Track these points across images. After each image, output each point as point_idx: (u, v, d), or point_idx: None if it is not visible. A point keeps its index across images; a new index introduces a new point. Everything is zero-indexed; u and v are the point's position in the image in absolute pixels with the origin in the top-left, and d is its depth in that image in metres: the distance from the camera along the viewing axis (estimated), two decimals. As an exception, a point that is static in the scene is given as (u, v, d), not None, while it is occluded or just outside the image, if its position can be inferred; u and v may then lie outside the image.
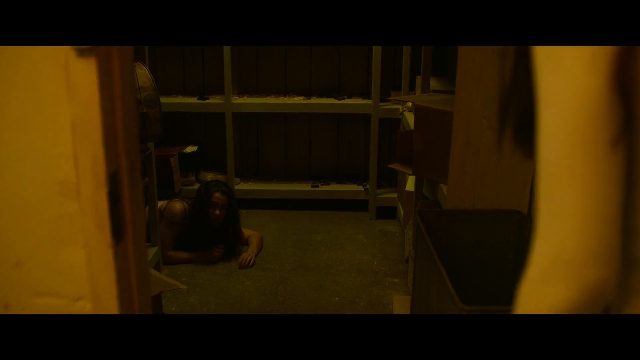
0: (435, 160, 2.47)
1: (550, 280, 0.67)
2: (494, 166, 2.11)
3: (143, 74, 2.54)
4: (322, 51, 4.34)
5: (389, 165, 3.13)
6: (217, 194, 3.47)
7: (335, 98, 4.23)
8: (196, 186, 4.02)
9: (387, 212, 4.19)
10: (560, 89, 0.65)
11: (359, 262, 3.53)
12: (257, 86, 4.41)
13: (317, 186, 4.34)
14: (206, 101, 4.18)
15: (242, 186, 4.32)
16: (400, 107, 3.93)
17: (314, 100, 4.22)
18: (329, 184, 4.36)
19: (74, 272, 0.88)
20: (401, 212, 3.83)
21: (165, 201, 3.55)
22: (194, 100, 4.22)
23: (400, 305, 2.86)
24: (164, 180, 3.94)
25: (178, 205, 3.51)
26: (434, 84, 3.30)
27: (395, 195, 4.20)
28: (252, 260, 3.49)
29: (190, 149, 4.30)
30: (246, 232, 3.70)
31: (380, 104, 4.05)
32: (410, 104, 3.59)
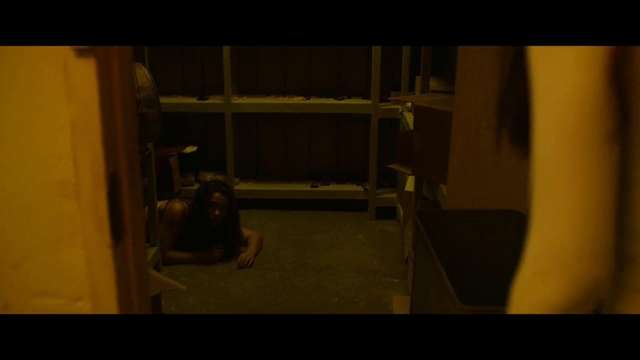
0: (434, 161, 2.47)
1: (545, 277, 0.68)
2: (494, 166, 2.11)
3: (142, 74, 2.54)
4: (321, 51, 4.34)
5: (389, 166, 3.14)
6: (217, 194, 3.47)
7: (334, 98, 4.23)
8: (196, 186, 4.02)
9: (386, 212, 4.19)
10: (555, 87, 0.65)
11: (359, 262, 3.53)
12: (257, 86, 4.41)
13: (317, 186, 4.34)
14: (206, 101, 4.18)
15: (241, 186, 4.32)
16: (399, 107, 3.93)
17: (314, 101, 4.22)
18: (328, 184, 4.36)
19: (73, 272, 0.88)
20: (401, 212, 3.83)
21: (165, 201, 3.55)
22: (194, 100, 4.22)
23: (400, 305, 2.86)
24: (163, 181, 3.94)
25: (177, 206, 3.51)
26: (433, 84, 3.30)
27: (394, 195, 4.20)
28: (251, 261, 3.49)
29: (189, 149, 4.30)
30: (246, 232, 3.69)
31: (379, 104, 4.05)
32: (409, 104, 3.60)
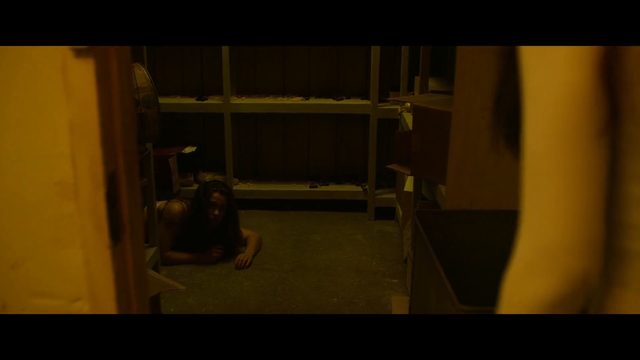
0: (433, 161, 2.47)
1: (535, 272, 0.68)
2: (493, 166, 2.11)
3: (141, 74, 2.54)
4: (320, 51, 4.34)
5: (388, 166, 3.14)
6: (216, 194, 3.47)
7: (333, 98, 4.23)
8: (195, 187, 4.01)
9: (385, 213, 4.19)
10: (546, 83, 0.66)
11: (358, 262, 3.53)
12: (256, 87, 4.41)
13: (316, 187, 4.34)
14: (205, 102, 4.18)
15: (240, 187, 4.32)
16: (398, 107, 3.93)
17: (313, 101, 4.22)
18: (327, 185, 4.36)
19: (71, 272, 0.88)
20: (400, 212, 3.83)
21: (164, 202, 3.55)
22: (193, 100, 4.22)
23: (399, 305, 2.86)
24: (162, 181, 3.94)
25: (177, 206, 3.51)
26: (432, 84, 3.30)
27: (393, 195, 4.20)
28: (249, 261, 3.49)
29: (188, 149, 4.30)
30: (245, 232, 3.69)
31: (378, 104, 4.05)
32: (408, 104, 3.60)
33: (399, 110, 3.89)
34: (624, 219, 0.71)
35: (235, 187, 4.20)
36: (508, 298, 0.72)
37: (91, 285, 0.88)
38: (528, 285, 0.69)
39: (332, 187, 4.34)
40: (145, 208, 3.02)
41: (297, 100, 4.22)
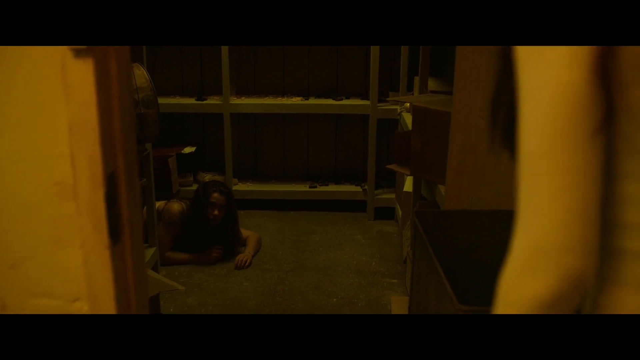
0: (433, 161, 2.47)
1: (531, 271, 0.68)
2: (492, 167, 2.11)
3: (141, 74, 2.54)
4: (320, 52, 4.34)
5: (387, 166, 3.14)
6: (216, 194, 3.47)
7: (333, 99, 4.23)
8: (194, 187, 4.01)
9: (385, 213, 4.19)
10: (541, 83, 0.66)
11: (357, 262, 3.53)
12: (255, 87, 4.41)
13: (315, 187, 4.34)
14: (204, 102, 4.18)
15: (240, 187, 4.32)
16: (398, 107, 3.93)
17: (312, 101, 4.22)
18: (327, 185, 4.36)
19: (71, 273, 0.88)
20: (399, 212, 3.83)
21: (163, 202, 3.55)
22: (192, 101, 4.21)
23: (398, 305, 2.86)
24: (162, 181, 3.94)
25: (176, 206, 3.51)
26: (432, 84, 3.30)
27: (393, 195, 4.20)
28: (249, 261, 3.49)
29: (188, 149, 4.30)
30: (244, 232, 3.69)
31: (378, 104, 4.05)
32: (408, 104, 3.60)
33: (399, 111, 3.89)
34: (620, 218, 0.71)
35: (234, 187, 4.20)
36: (504, 297, 0.73)
37: (90, 285, 0.88)
38: (524, 284, 0.69)
39: (332, 187, 4.34)
40: (145, 208, 3.02)
41: (296, 100, 4.22)
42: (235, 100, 4.16)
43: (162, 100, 3.20)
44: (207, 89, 4.40)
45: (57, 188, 0.85)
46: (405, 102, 3.65)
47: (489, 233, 1.95)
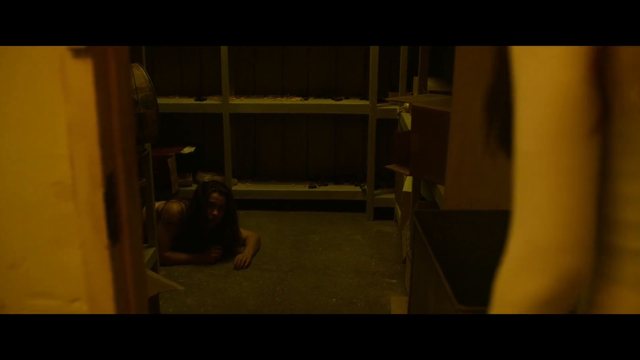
0: (432, 161, 2.47)
1: (527, 270, 0.69)
2: (492, 167, 2.11)
3: (140, 74, 2.54)
4: (319, 52, 4.34)
5: (386, 166, 3.14)
6: (215, 194, 3.46)
7: (332, 99, 4.23)
8: (194, 187, 4.01)
9: (384, 213, 4.19)
10: (537, 83, 0.67)
11: (357, 263, 3.53)
12: (255, 87, 4.41)
13: (315, 187, 4.34)
14: (203, 102, 4.18)
15: (239, 187, 4.32)
16: (397, 107, 3.93)
17: (312, 101, 4.22)
18: (326, 185, 4.36)
19: (70, 273, 0.88)
20: (399, 212, 3.83)
21: (163, 202, 3.55)
22: (191, 101, 4.21)
23: (398, 306, 2.86)
24: (161, 181, 3.94)
25: (175, 206, 3.51)
26: (431, 84, 3.30)
27: (392, 196, 4.20)
28: (248, 261, 3.49)
29: (187, 149, 4.30)
30: (244, 232, 3.69)
31: (377, 104, 4.05)
32: (407, 104, 3.60)
33: (398, 111, 3.89)
34: (615, 217, 0.72)
35: (234, 188, 4.20)
36: (500, 297, 0.73)
37: (89, 285, 0.88)
38: (520, 283, 0.70)
39: (331, 188, 4.34)
40: (144, 208, 3.02)
41: (296, 100, 4.22)
42: (235, 101, 4.16)
43: (161, 101, 3.20)
44: (206, 89, 4.40)
45: (56, 188, 0.84)
46: (404, 102, 3.65)
47: (489, 233, 1.95)
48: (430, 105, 2.56)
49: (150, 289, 2.25)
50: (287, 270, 3.44)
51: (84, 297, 0.89)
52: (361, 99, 4.22)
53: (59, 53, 0.79)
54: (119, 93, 0.85)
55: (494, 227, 1.94)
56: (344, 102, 4.19)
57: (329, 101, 4.20)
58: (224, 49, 3.95)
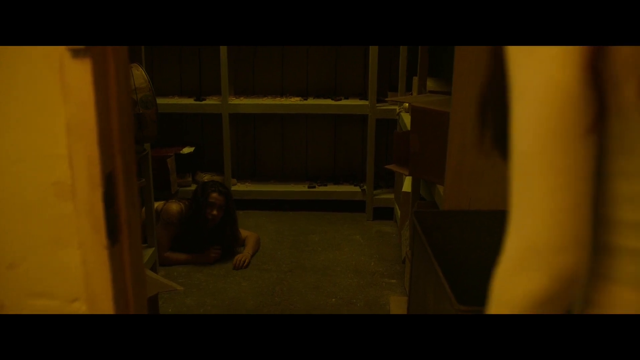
0: (431, 161, 2.47)
1: (524, 269, 0.69)
2: (491, 167, 2.11)
3: (139, 74, 2.54)
4: (319, 52, 4.34)
5: (386, 166, 3.14)
6: (214, 194, 3.46)
7: (332, 99, 4.23)
8: (193, 187, 4.01)
9: (384, 213, 4.19)
10: (533, 82, 0.67)
11: (356, 263, 3.53)
12: (254, 87, 4.41)
13: (314, 187, 4.34)
14: (203, 102, 4.18)
15: (238, 187, 4.32)
16: (397, 107, 3.93)
17: (311, 101, 4.22)
18: (325, 185, 4.36)
19: (69, 273, 0.88)
20: (398, 212, 3.83)
21: (162, 202, 3.55)
22: (191, 101, 4.21)
23: (397, 306, 2.86)
24: (160, 181, 3.94)
25: (174, 206, 3.50)
26: (430, 84, 3.30)
27: (392, 196, 4.20)
28: (247, 261, 3.49)
29: (187, 150, 4.29)
30: (243, 233, 3.69)
31: (377, 104, 4.05)
32: (407, 104, 3.60)
33: (397, 111, 3.89)
34: (612, 216, 0.72)
35: (233, 188, 4.19)
36: (497, 296, 0.73)
37: (89, 285, 0.88)
38: (517, 283, 0.70)
39: (331, 188, 4.34)
40: (144, 208, 3.02)
41: (295, 100, 4.22)
42: (234, 101, 4.16)
43: (160, 101, 3.20)
44: (205, 89, 4.40)
45: (55, 188, 0.84)
46: (404, 102, 3.65)
47: (488, 233, 1.95)
48: (429, 105, 2.56)
49: (149, 289, 2.25)
50: (286, 270, 3.44)
51: (83, 297, 0.89)
52: (360, 99, 4.22)
53: (58, 53, 0.79)
54: (118, 93, 0.85)
55: (493, 227, 1.94)
56: (344, 102, 4.19)
57: (329, 101, 4.20)
58: (223, 49, 3.95)
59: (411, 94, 3.71)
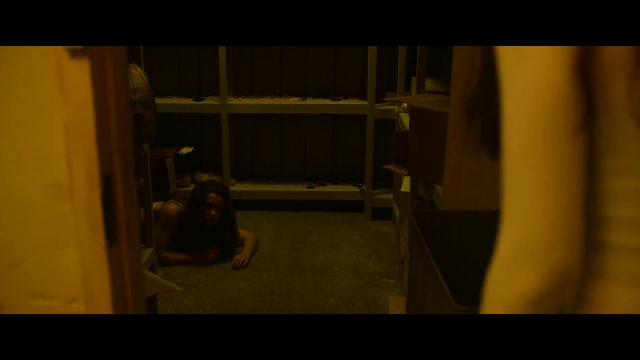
0: (430, 161, 2.48)
1: (517, 268, 0.69)
2: (490, 167, 2.11)
3: (138, 74, 2.54)
4: (317, 52, 4.34)
5: (385, 166, 3.14)
6: (213, 194, 3.46)
7: (330, 99, 4.23)
8: (192, 187, 4.01)
9: (382, 213, 4.19)
10: (524, 82, 0.67)
11: (355, 263, 3.53)
12: (253, 87, 4.41)
13: (313, 187, 4.34)
14: (202, 102, 4.18)
15: (237, 187, 4.32)
16: (395, 107, 3.93)
17: (310, 101, 4.22)
18: (324, 185, 4.36)
19: (67, 273, 0.88)
20: (397, 212, 3.83)
21: (161, 202, 3.55)
22: (190, 101, 4.21)
23: (396, 306, 2.86)
24: (159, 182, 3.94)
25: (173, 207, 3.50)
26: (429, 84, 3.31)
27: (390, 196, 4.20)
28: (246, 261, 3.49)
29: (185, 150, 4.29)
30: (242, 233, 3.69)
31: (375, 104, 4.05)
32: (405, 104, 3.60)
33: (396, 111, 3.89)
34: (603, 213, 0.73)
35: (232, 188, 4.19)
36: (491, 295, 0.74)
37: (87, 285, 0.88)
38: (510, 281, 0.70)
39: (329, 188, 4.34)
40: (142, 208, 3.02)
41: (294, 100, 4.22)
42: (233, 101, 4.16)
43: (159, 101, 3.20)
44: (204, 89, 4.39)
45: (53, 188, 0.84)
46: (402, 102, 3.65)
47: (486, 233, 1.95)
48: (428, 105, 2.56)
49: (148, 289, 2.25)
50: (285, 270, 3.44)
51: (82, 298, 0.89)
52: (359, 99, 4.22)
53: (56, 53, 0.79)
54: (116, 93, 0.85)
55: (491, 227, 1.94)
56: (342, 102, 4.19)
57: (327, 101, 4.20)
58: (222, 49, 3.95)
59: (410, 94, 3.71)
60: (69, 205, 0.85)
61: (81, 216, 0.84)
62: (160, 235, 3.42)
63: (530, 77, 0.67)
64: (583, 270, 0.74)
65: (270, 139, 4.53)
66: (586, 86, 0.67)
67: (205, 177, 4.19)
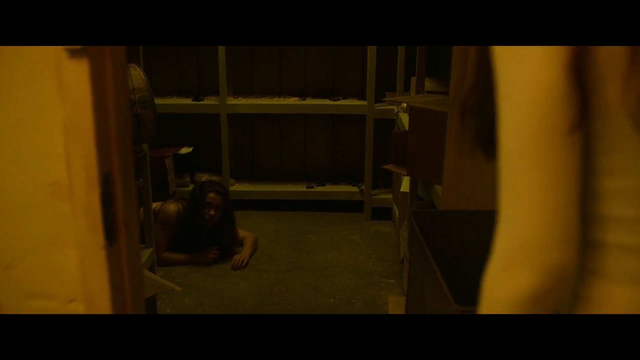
0: (429, 161, 2.48)
1: (514, 267, 0.70)
2: (489, 167, 2.11)
3: (137, 75, 2.54)
4: (317, 52, 4.34)
5: (384, 166, 3.14)
6: (212, 194, 3.46)
7: (330, 99, 4.23)
8: (191, 187, 4.01)
9: (382, 213, 4.19)
10: (519, 82, 0.68)
11: (354, 263, 3.53)
12: (252, 87, 4.41)
13: (312, 187, 4.34)
14: (201, 102, 4.18)
15: (237, 187, 4.31)
16: (395, 107, 3.93)
17: (309, 101, 4.22)
18: (324, 185, 4.36)
19: (66, 273, 0.88)
20: (396, 213, 3.83)
21: (160, 202, 3.55)
22: (189, 101, 4.21)
23: (395, 306, 2.86)
24: (158, 182, 3.94)
25: (172, 207, 3.50)
26: (428, 84, 3.31)
27: (390, 196, 4.20)
28: (245, 261, 3.49)
29: (185, 150, 4.29)
30: (241, 233, 3.69)
31: (375, 104, 4.05)
32: (405, 104, 3.60)
33: (396, 111, 3.90)
34: (599, 212, 0.73)
35: (231, 188, 4.19)
36: (488, 294, 0.74)
37: (86, 286, 0.88)
38: (507, 281, 0.70)
39: (329, 188, 4.34)
40: (142, 209, 3.02)
41: (293, 100, 4.22)
42: (232, 101, 4.16)
43: (159, 101, 3.20)
44: (204, 89, 4.39)
45: (52, 188, 0.84)
46: (402, 102, 3.65)
47: (486, 233, 1.94)
48: (427, 105, 2.56)
49: (147, 289, 2.25)
50: (284, 270, 3.44)
51: (81, 298, 0.88)
52: (359, 99, 4.22)
53: (55, 53, 0.79)
54: (115, 93, 0.85)
55: (491, 227, 1.94)
56: (342, 102, 4.19)
57: (327, 101, 4.20)
58: (221, 49, 3.95)
59: (409, 94, 3.71)
60: (68, 205, 0.84)
61: (80, 216, 0.84)
62: (160, 235, 3.42)
63: (526, 77, 0.67)
64: (580, 270, 0.74)
65: (270, 139, 4.53)
66: (581, 86, 0.67)
67: (204, 177, 4.19)
